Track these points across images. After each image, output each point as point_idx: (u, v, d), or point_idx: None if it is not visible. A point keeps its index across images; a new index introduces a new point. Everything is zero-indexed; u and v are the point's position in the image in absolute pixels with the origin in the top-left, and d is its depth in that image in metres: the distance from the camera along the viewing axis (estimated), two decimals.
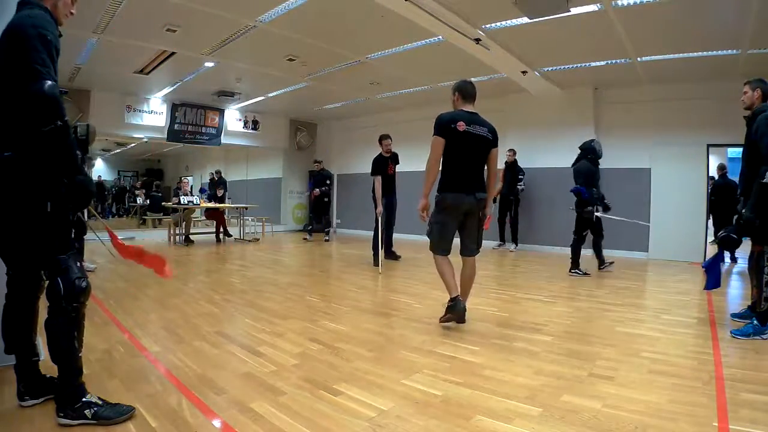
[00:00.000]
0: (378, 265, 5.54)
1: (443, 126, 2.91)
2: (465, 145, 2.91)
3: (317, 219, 9.40)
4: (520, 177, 7.75)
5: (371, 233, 5.96)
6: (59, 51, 1.59)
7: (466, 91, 3.04)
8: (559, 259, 6.84)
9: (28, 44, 1.48)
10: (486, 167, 3.08)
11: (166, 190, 16.11)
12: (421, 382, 2.10)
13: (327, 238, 9.32)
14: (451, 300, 2.98)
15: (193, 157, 17.82)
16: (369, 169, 5.85)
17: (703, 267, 3.45)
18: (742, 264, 6.24)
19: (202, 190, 10.71)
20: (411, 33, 5.36)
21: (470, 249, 3.10)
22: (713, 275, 3.22)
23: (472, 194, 2.95)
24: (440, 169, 3.02)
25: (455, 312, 2.95)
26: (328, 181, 9.08)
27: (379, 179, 5.71)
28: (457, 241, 3.14)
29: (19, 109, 1.51)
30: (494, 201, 7.85)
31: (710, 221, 7.03)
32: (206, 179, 14.21)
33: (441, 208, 3.02)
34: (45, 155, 1.55)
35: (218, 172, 11.46)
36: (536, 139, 7.98)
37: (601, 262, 5.44)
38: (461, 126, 2.88)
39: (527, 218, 8.03)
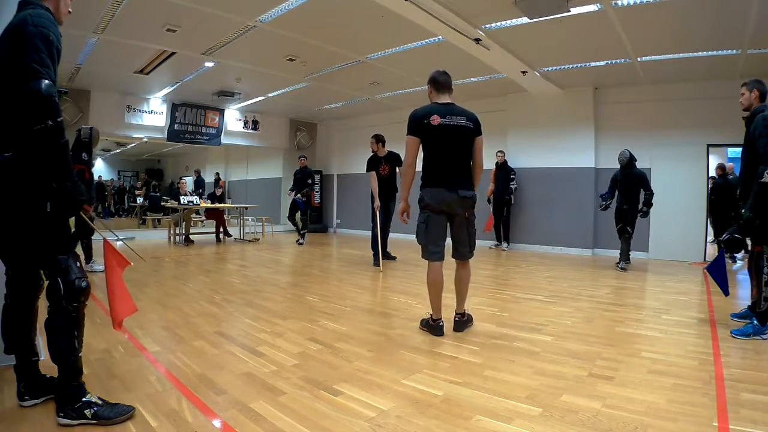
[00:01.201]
0: (379, 265, 5.55)
1: (416, 123, 2.73)
2: (442, 139, 2.71)
3: (309, 220, 9.24)
4: (512, 177, 7.77)
5: (371, 233, 5.96)
6: (60, 52, 1.58)
7: (438, 82, 2.83)
8: (559, 259, 6.85)
9: (29, 43, 1.48)
10: (472, 159, 2.88)
11: (165, 189, 16.14)
12: (421, 382, 2.10)
13: (300, 241, 8.59)
14: (432, 320, 2.82)
15: (193, 157, 17.82)
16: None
17: (706, 270, 3.45)
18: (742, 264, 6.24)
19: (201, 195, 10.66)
20: (411, 33, 5.36)
21: (461, 252, 2.87)
22: (720, 279, 3.22)
23: (454, 191, 2.72)
24: (422, 166, 2.85)
25: (432, 331, 2.81)
26: (309, 181, 8.79)
27: (373, 175, 5.70)
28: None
29: (17, 109, 1.51)
30: (489, 202, 7.86)
31: (709, 221, 7.03)
32: (206, 179, 14.21)
33: (422, 207, 2.80)
34: (38, 155, 1.54)
35: (197, 172, 11.73)
36: (536, 139, 7.98)
37: (619, 260, 5.86)
38: (435, 120, 2.69)
39: (527, 218, 8.04)
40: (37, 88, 1.44)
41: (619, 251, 5.88)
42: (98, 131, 5.16)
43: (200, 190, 11.93)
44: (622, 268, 5.69)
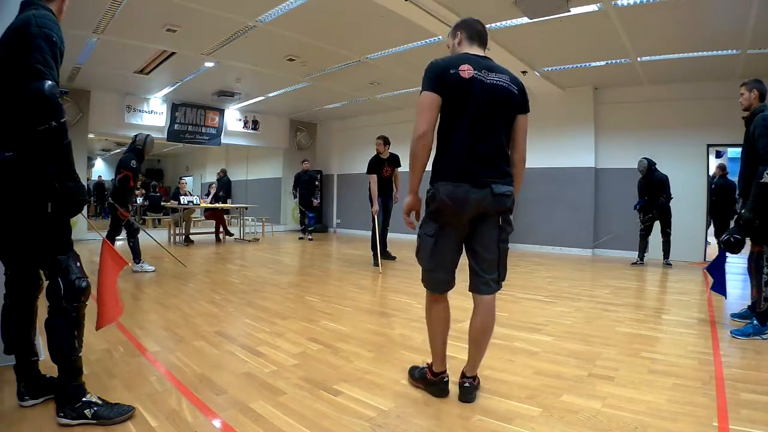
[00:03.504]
0: (378, 265, 5.55)
1: (438, 74, 1.75)
2: (474, 101, 1.74)
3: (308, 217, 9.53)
4: None
5: (370, 234, 5.98)
6: (63, 53, 1.58)
7: (472, 29, 1.94)
8: (559, 259, 6.85)
9: (32, 43, 1.48)
10: (511, 147, 1.89)
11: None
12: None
13: (310, 237, 9.40)
14: (432, 374, 1.93)
15: (193, 157, 17.83)
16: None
17: (706, 270, 3.45)
18: (742, 264, 6.25)
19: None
20: (411, 33, 5.36)
21: (484, 281, 1.85)
22: (718, 278, 3.22)
23: (486, 186, 1.75)
24: (437, 143, 1.84)
25: (432, 390, 1.94)
26: (317, 183, 9.31)
27: (374, 178, 5.76)
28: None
29: (19, 109, 1.51)
30: None
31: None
32: (206, 180, 14.18)
33: (432, 211, 1.82)
34: (41, 156, 1.54)
35: (224, 171, 11.71)
36: (536, 139, 7.95)
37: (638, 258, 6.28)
38: (466, 71, 1.74)
39: (527, 218, 8.03)
40: (40, 89, 1.45)
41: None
42: (153, 140, 5.19)
43: (221, 193, 10.34)
44: (633, 263, 6.23)
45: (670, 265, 6.04)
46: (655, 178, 6.00)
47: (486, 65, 1.81)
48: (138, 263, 4.99)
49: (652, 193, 6.03)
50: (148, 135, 5.10)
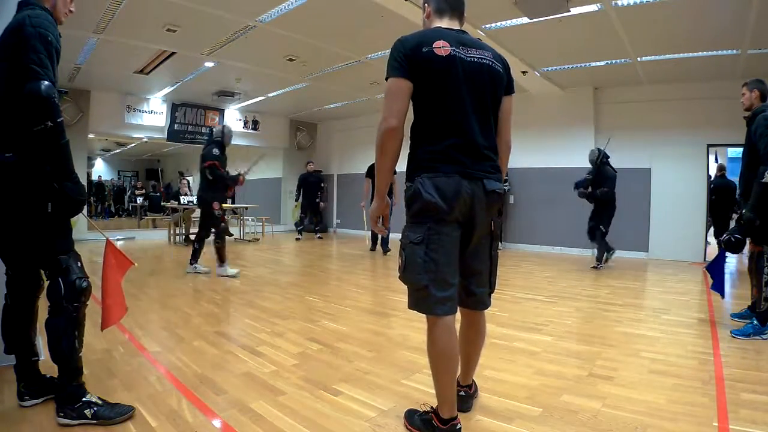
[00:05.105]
0: (375, 249, 5.66)
1: (407, 54, 1.47)
2: (455, 82, 1.49)
3: (311, 219, 9.63)
4: (505, 178, 7.81)
5: (371, 232, 6.07)
6: (60, 52, 1.58)
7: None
8: (558, 260, 6.85)
9: (27, 44, 1.48)
10: (496, 133, 1.64)
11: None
12: (421, 382, 2.10)
13: (319, 236, 9.73)
14: (441, 421, 1.54)
15: (193, 157, 17.80)
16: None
17: (706, 269, 3.45)
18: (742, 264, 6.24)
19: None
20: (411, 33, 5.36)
21: (477, 296, 1.65)
22: (717, 277, 3.22)
23: (476, 179, 1.51)
24: (411, 136, 1.59)
25: None
26: (323, 185, 9.61)
27: (368, 181, 6.18)
28: None
29: (17, 110, 1.51)
30: None
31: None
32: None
33: (415, 212, 1.53)
34: (40, 156, 1.54)
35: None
36: (536, 139, 7.98)
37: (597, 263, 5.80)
38: (442, 47, 1.47)
39: (527, 218, 8.03)
40: (36, 90, 1.45)
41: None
42: (231, 129, 5.06)
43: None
44: (594, 267, 5.70)
45: (598, 267, 5.66)
46: (603, 171, 5.50)
47: (463, 40, 1.55)
48: (221, 266, 4.89)
49: (596, 186, 5.52)
50: (224, 125, 5.05)
